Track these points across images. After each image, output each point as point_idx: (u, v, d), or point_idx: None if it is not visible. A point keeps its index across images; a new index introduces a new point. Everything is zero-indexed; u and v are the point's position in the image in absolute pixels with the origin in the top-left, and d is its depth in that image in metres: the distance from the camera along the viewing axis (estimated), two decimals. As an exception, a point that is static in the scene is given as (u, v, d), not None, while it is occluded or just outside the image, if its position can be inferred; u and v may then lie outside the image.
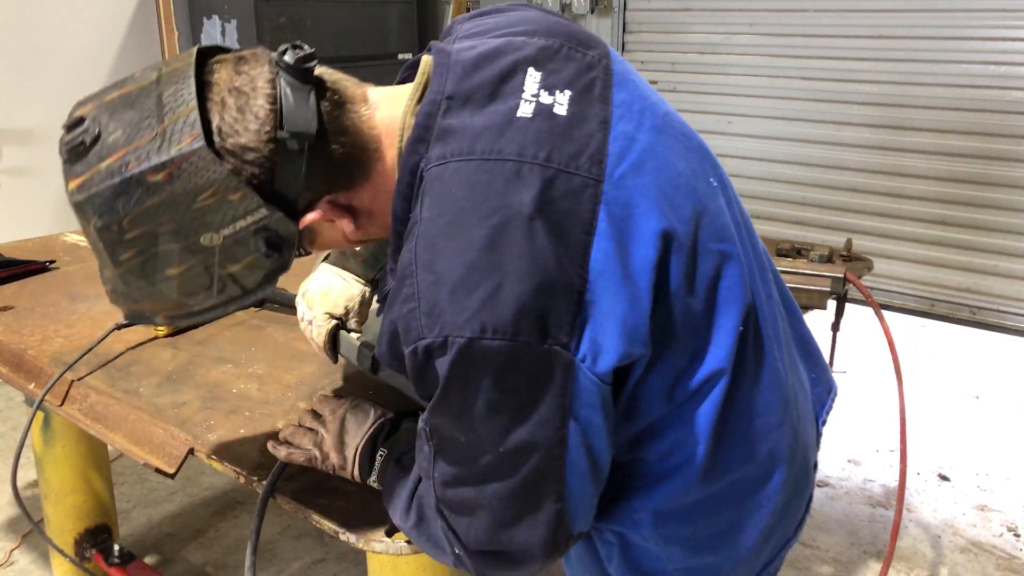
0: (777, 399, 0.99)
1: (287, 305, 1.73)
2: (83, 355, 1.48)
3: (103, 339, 1.52)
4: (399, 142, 0.92)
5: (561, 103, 0.88)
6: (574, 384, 0.82)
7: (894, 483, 2.88)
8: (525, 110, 0.87)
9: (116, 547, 2.10)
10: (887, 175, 3.47)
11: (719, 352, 0.92)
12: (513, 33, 0.94)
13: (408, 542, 1.05)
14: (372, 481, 1.09)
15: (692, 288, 0.90)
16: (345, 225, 0.95)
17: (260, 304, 1.76)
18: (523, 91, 0.88)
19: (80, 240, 2.23)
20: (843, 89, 3.48)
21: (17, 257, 2.00)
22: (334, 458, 1.12)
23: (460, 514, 0.90)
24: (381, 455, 1.08)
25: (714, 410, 0.93)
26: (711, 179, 0.98)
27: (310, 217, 0.91)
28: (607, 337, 0.82)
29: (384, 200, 0.93)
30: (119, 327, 1.55)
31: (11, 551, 2.51)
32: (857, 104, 3.47)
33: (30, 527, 2.42)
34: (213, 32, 3.97)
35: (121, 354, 1.54)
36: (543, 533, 0.88)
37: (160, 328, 1.60)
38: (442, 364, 0.81)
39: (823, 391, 1.18)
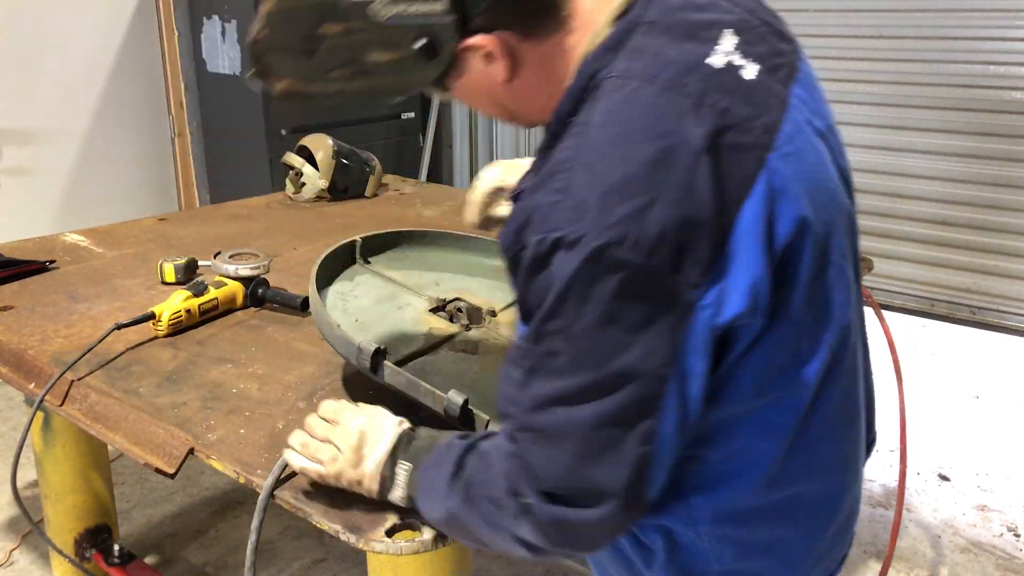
0: (850, 427, 1.00)
1: (287, 305, 1.73)
2: (83, 355, 1.48)
3: (103, 339, 1.52)
4: (587, 44, 0.91)
5: (750, 70, 0.89)
6: (690, 327, 0.82)
7: (894, 483, 2.88)
8: (716, 60, 0.87)
9: (116, 547, 2.10)
10: (887, 175, 3.47)
11: (815, 363, 0.92)
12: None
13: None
14: (394, 497, 1.06)
15: (810, 289, 0.90)
16: (500, 71, 0.93)
17: (260, 304, 1.76)
18: (719, 44, 0.89)
19: (80, 240, 2.23)
20: (843, 89, 3.48)
21: (17, 257, 2.00)
22: (351, 475, 1.08)
23: (544, 444, 0.88)
24: (405, 470, 1.05)
25: (794, 420, 0.92)
26: (846, 200, 0.99)
27: (476, 40, 0.90)
28: (733, 293, 0.82)
29: (542, 80, 0.94)
30: (119, 327, 1.55)
31: (11, 551, 2.51)
32: (857, 104, 3.47)
33: (30, 527, 2.43)
34: (213, 32, 3.98)
35: (121, 354, 1.54)
36: (624, 477, 0.86)
37: (160, 327, 1.60)
38: (569, 262, 0.81)
39: (869, 439, 1.16)
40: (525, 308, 0.88)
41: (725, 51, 0.88)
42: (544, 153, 0.91)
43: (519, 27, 0.91)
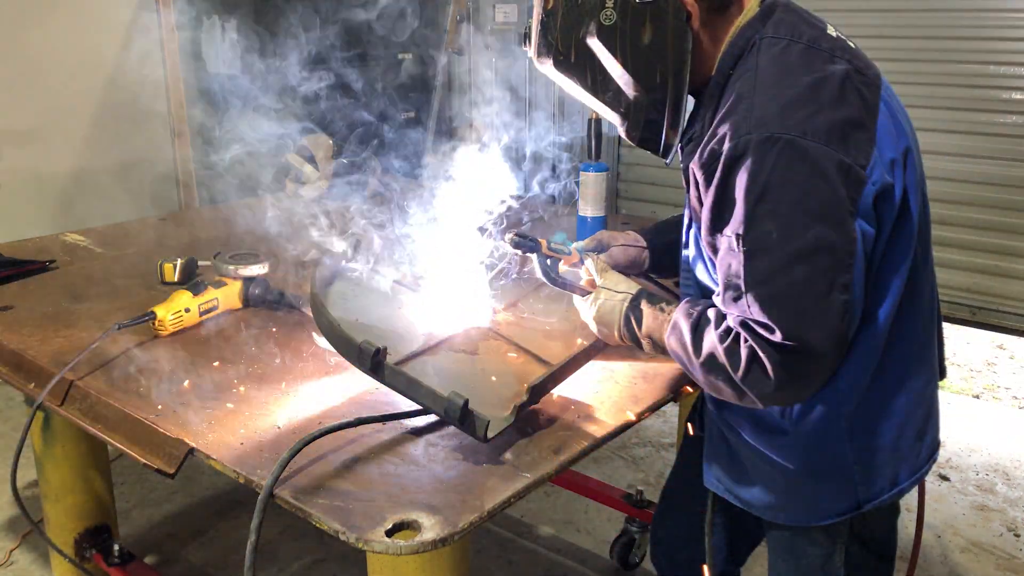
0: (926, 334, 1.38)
1: (290, 306, 1.73)
2: (82, 355, 1.48)
3: (103, 339, 1.52)
4: (740, 19, 1.22)
5: (853, 45, 1.24)
6: (862, 198, 1.11)
7: (894, 483, 2.88)
8: (832, 32, 1.23)
9: (116, 547, 2.09)
10: (887, 175, 3.46)
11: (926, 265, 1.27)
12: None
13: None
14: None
15: (920, 196, 1.22)
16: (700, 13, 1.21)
17: (260, 304, 1.76)
18: (827, 25, 1.25)
19: (80, 240, 2.23)
20: (843, 89, 3.47)
21: (17, 257, 2.00)
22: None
23: (772, 307, 1.09)
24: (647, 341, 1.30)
25: (892, 309, 1.19)
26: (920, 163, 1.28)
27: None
28: (880, 167, 1.13)
29: (707, 46, 1.23)
30: (119, 327, 1.55)
31: (11, 551, 2.51)
32: (857, 104, 3.46)
33: (30, 527, 2.43)
34: (213, 32, 3.98)
35: (121, 354, 1.54)
36: (835, 321, 1.10)
37: (160, 328, 1.60)
38: (766, 155, 1.08)
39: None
40: (720, 209, 1.14)
41: (833, 29, 1.25)
42: (710, 101, 1.21)
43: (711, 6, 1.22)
